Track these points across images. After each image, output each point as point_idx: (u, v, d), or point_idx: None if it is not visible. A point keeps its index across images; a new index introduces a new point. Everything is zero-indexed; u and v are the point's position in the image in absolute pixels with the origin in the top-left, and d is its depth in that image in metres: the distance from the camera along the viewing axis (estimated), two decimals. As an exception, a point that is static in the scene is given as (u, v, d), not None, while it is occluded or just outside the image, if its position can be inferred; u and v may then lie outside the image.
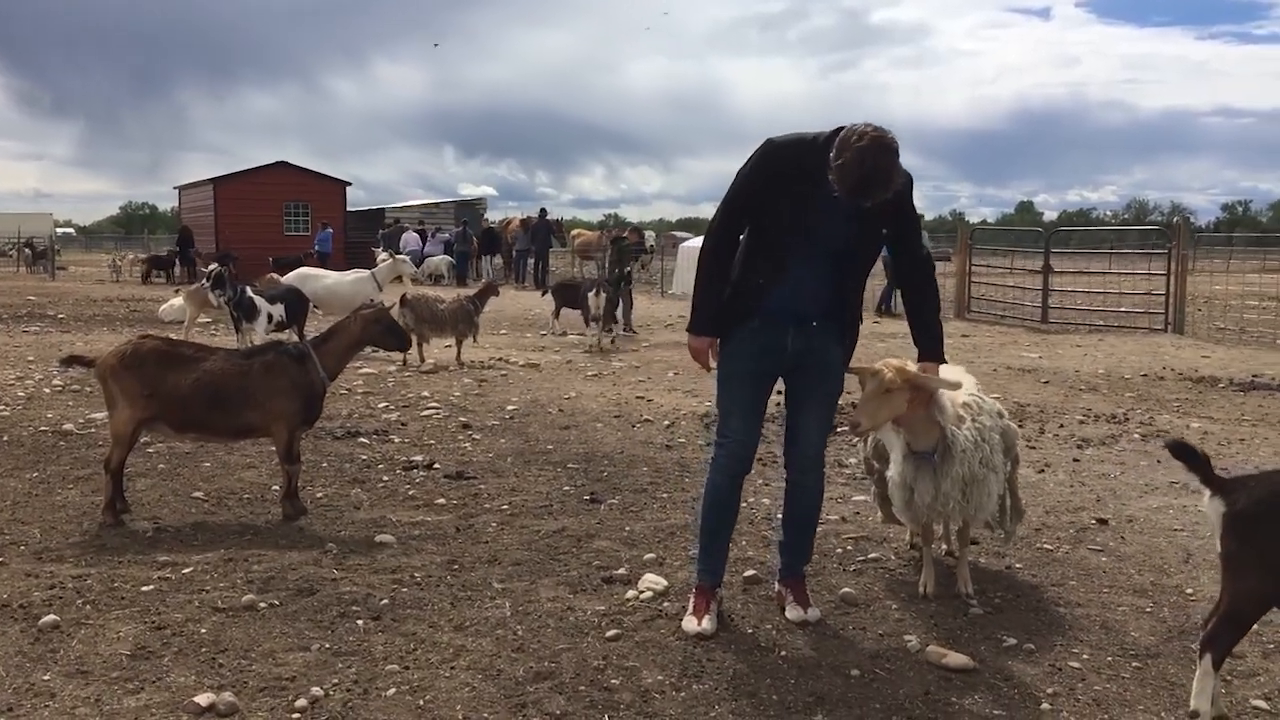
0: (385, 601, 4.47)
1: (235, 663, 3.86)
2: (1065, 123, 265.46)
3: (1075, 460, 7.40)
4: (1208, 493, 3.35)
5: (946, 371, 4.40)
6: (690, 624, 4.16)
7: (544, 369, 12.31)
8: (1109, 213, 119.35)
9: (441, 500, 6.21)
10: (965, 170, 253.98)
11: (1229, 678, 3.77)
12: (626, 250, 18.54)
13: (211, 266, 13.28)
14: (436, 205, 40.25)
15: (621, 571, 4.87)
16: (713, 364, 4.25)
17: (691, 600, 4.28)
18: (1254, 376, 11.91)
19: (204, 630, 4.14)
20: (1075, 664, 3.87)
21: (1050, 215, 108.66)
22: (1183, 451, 3.35)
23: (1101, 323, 17.37)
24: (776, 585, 4.50)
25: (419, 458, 7.27)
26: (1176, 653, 4.00)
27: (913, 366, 4.24)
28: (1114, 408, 9.65)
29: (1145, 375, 12.03)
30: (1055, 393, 10.56)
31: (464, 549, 5.28)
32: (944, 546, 5.22)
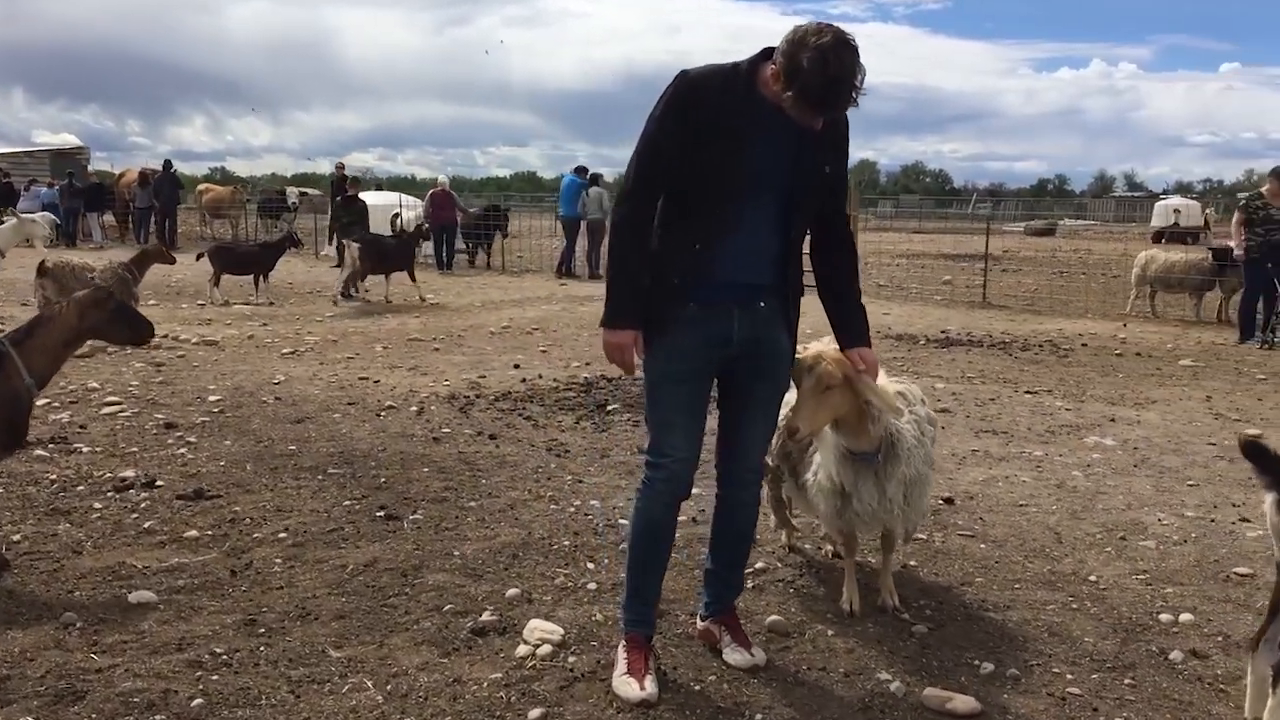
0: (198, 701, 3.25)
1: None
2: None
3: (866, 431, 7.17)
4: (1273, 497, 2.96)
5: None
6: (629, 689, 3.30)
7: (225, 347, 10.63)
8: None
9: (192, 532, 4.85)
10: (581, 130, 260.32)
11: (1222, 686, 3.48)
12: (364, 208, 17.17)
13: None
14: (29, 154, 34.95)
15: (490, 618, 3.90)
16: (638, 363, 3.38)
17: (623, 657, 3.41)
18: (944, 332, 12.53)
19: (-66, 788, 2.76)
20: (1075, 689, 3.42)
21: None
22: (1256, 453, 2.94)
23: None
24: (700, 622, 3.72)
25: (130, 473, 5.76)
26: (1147, 660, 3.67)
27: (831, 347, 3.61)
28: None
29: (849, 334, 12.29)
30: (785, 356, 10.46)
31: (256, 601, 4.07)
32: (795, 543, 4.72)
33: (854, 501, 3.78)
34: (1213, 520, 5.20)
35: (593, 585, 4.25)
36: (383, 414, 7.44)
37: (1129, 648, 3.77)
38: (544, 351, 10.61)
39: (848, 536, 4.05)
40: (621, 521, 5.05)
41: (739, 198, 3.22)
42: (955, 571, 4.51)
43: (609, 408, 7.68)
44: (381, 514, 5.13)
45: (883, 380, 3.81)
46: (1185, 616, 4.01)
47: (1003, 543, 4.87)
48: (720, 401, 3.50)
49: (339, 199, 17.17)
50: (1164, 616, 4.02)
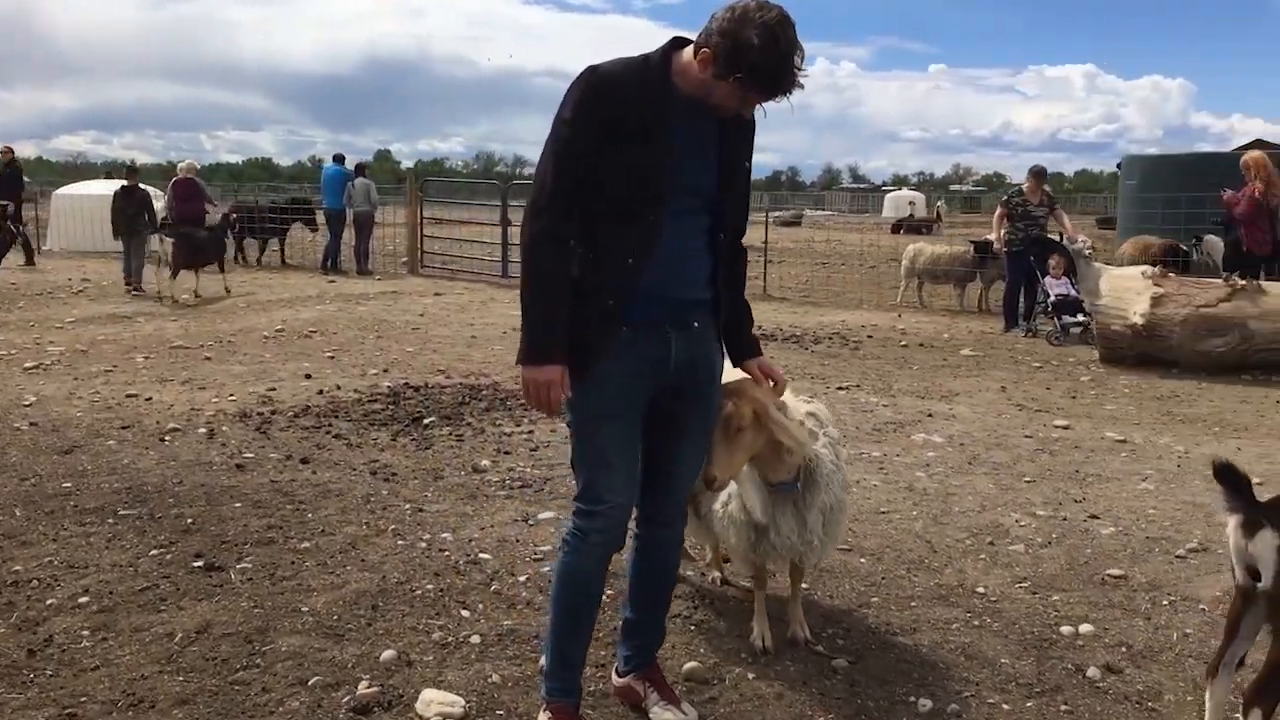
0: (30, 840, 2.58)
1: None
2: (414, 73, 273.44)
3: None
4: (1236, 519, 2.87)
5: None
6: (564, 768, 2.89)
7: (-48, 361, 9.25)
8: (460, 162, 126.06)
9: (-34, 601, 4.02)
10: (319, 116, 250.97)
11: (1150, 705, 3.43)
12: (147, 197, 15.77)
13: None
14: None
15: (370, 689, 3.36)
16: (564, 401, 2.95)
17: (550, 731, 2.99)
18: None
19: None
20: (1019, 723, 3.28)
21: (407, 164, 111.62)
22: (1228, 475, 2.85)
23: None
24: (618, 678, 3.33)
25: None
26: (1069, 681, 3.58)
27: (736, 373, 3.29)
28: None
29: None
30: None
31: (69, 688, 3.38)
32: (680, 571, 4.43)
33: (771, 534, 3.50)
34: (1064, 519, 5.28)
35: (476, 639, 3.78)
36: (167, 438, 6.58)
37: (1046, 667, 3.67)
38: (332, 358, 9.83)
39: (759, 569, 3.77)
40: (483, 556, 4.60)
41: (664, 202, 2.88)
42: (847, 591, 4.33)
43: (426, 421, 7.12)
44: (200, 564, 4.44)
45: (791, 402, 3.55)
46: (1085, 628, 3.97)
47: (880, 555, 4.74)
48: (646, 432, 3.12)
49: (119, 189, 15.48)
50: (1065, 629, 3.97)
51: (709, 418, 3.11)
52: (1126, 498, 5.65)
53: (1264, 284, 9.95)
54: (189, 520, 5.01)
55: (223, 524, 4.97)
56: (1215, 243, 12.95)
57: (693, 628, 3.96)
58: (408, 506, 5.29)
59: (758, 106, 2.86)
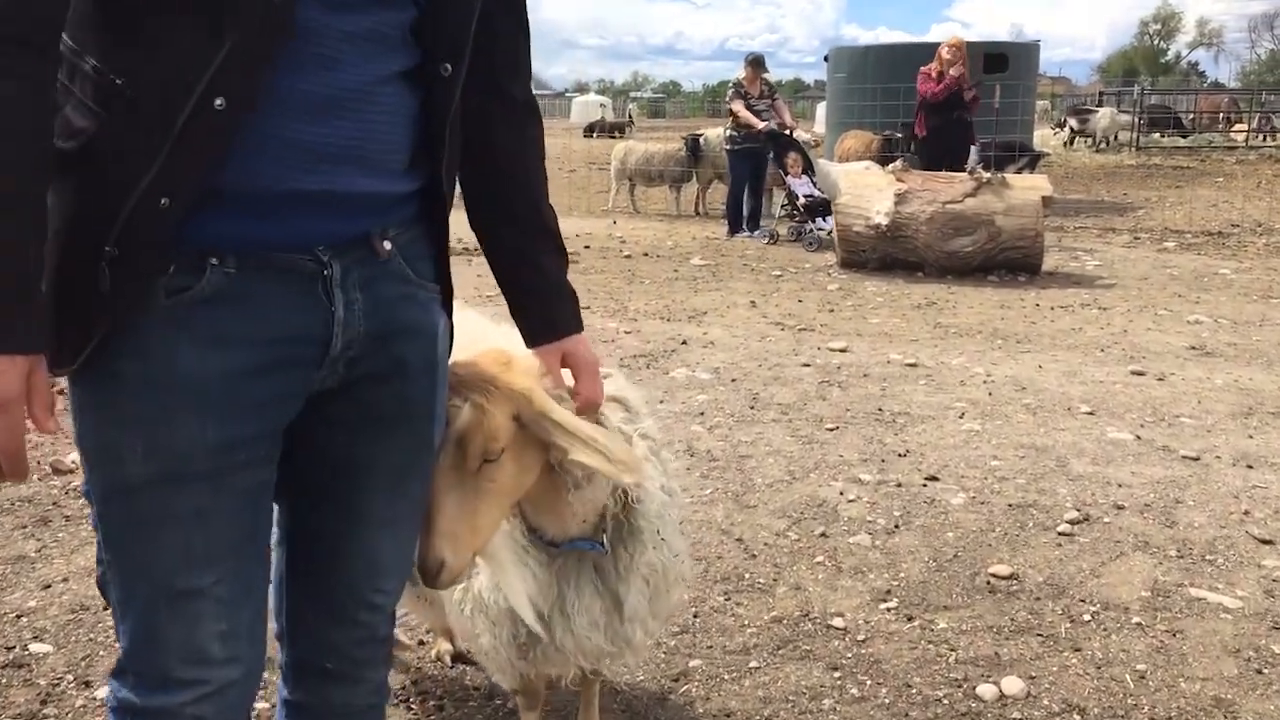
0: None
1: None
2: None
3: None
4: None
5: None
6: None
7: None
8: None
9: None
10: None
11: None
12: None
13: None
14: None
15: None
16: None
17: None
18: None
19: None
20: None
21: None
22: None
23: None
24: None
25: None
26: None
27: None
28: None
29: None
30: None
31: None
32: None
33: (558, 631, 1.87)
34: (898, 485, 3.99)
35: None
36: None
37: (990, 775, 2.31)
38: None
39: (531, 681, 2.13)
40: (37, 648, 2.69)
41: None
42: (650, 649, 2.79)
43: None
44: None
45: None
46: (1010, 684, 2.64)
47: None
48: (287, 491, 1.39)
49: None
50: (983, 689, 2.62)
51: (416, 448, 1.42)
52: (955, 444, 4.46)
53: (1008, 177, 9.26)
54: None
55: None
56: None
57: (412, 774, 2.29)
58: None
59: None
